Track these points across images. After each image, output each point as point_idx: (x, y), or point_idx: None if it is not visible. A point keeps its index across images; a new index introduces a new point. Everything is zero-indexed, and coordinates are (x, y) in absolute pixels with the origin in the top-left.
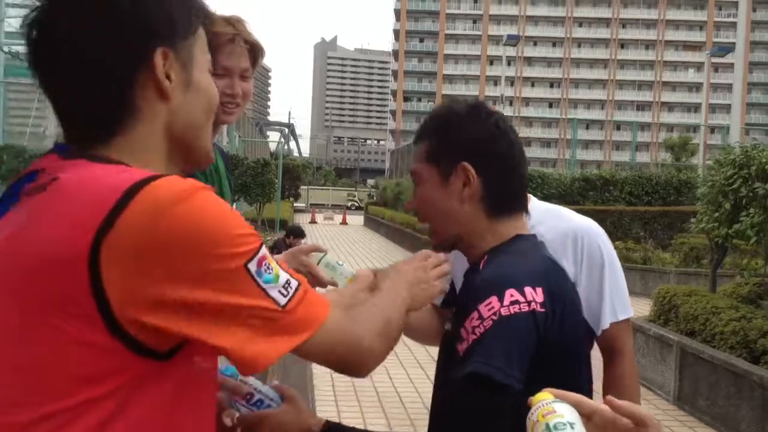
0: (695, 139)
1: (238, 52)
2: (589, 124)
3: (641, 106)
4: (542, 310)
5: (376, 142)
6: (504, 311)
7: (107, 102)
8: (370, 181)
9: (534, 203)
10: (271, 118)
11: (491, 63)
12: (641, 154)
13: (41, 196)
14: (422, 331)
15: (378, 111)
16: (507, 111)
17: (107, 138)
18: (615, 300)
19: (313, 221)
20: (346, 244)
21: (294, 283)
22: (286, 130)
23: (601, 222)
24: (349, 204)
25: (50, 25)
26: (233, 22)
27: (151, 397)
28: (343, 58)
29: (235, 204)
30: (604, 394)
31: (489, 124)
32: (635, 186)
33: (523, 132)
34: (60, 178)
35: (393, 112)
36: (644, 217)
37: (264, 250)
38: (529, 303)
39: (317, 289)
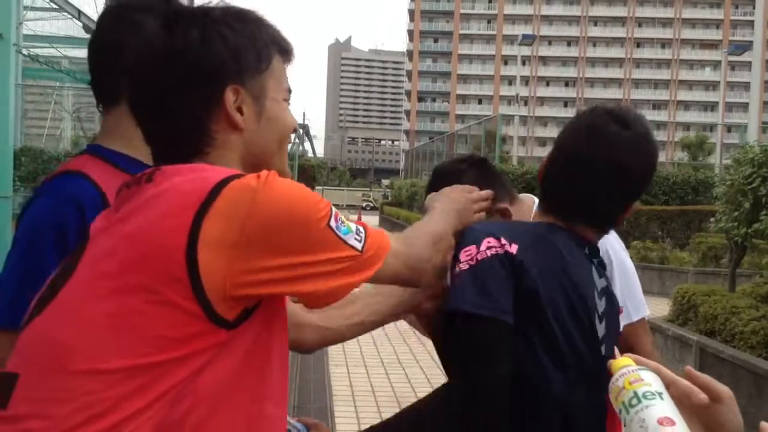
0: (712, 138)
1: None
2: None
3: (657, 105)
4: (516, 255)
5: (390, 142)
6: (480, 255)
7: (186, 134)
8: (385, 182)
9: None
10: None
11: (506, 63)
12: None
13: (148, 186)
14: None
15: (392, 111)
16: (522, 111)
17: (187, 161)
18: (627, 301)
19: None
20: None
21: (362, 229)
22: (301, 131)
23: None
24: (364, 204)
25: (139, 82)
26: None
27: (223, 362)
28: (357, 59)
29: None
30: None
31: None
32: (653, 185)
33: (539, 131)
34: (163, 170)
35: (407, 113)
36: (661, 216)
37: (333, 208)
38: (502, 246)
39: None
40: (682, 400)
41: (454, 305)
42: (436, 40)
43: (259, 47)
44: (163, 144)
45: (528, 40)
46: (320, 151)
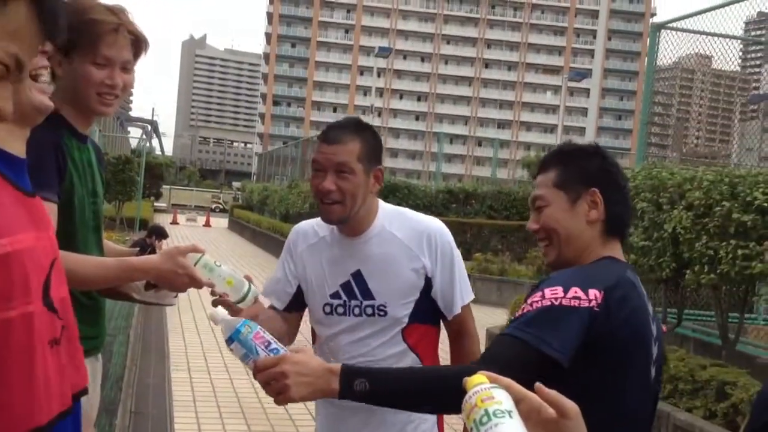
0: None
1: (122, 43)
2: (452, 138)
3: (502, 125)
4: (598, 310)
5: (243, 144)
6: (564, 301)
7: None
8: (236, 184)
9: (384, 205)
10: (133, 113)
11: (361, 73)
12: (501, 171)
13: None
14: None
15: (246, 113)
16: (375, 122)
17: None
18: (462, 286)
19: (174, 222)
20: (210, 247)
21: None
22: (149, 127)
23: (463, 234)
24: (213, 206)
25: None
26: (117, 12)
27: None
28: (212, 57)
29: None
30: None
31: (609, 161)
32: (495, 200)
33: (390, 143)
34: None
35: (262, 116)
36: (502, 230)
37: None
38: (589, 301)
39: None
40: (530, 415)
41: (511, 331)
42: (293, 45)
43: None
44: None
45: (384, 52)
46: (169, 150)
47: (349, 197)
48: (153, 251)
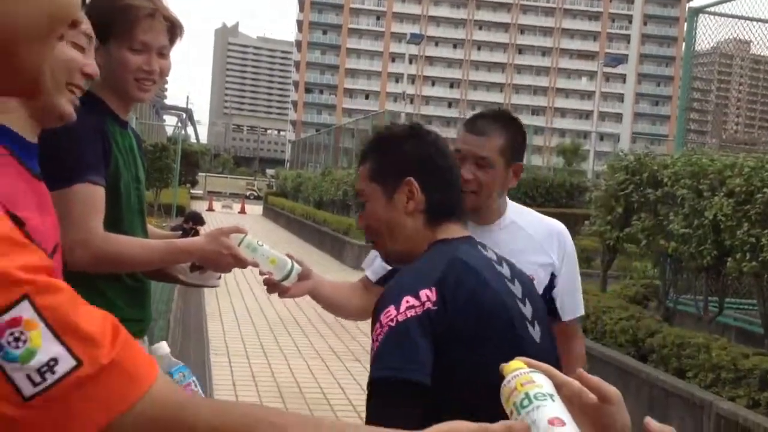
0: (586, 145)
1: (158, 28)
2: None
3: (536, 111)
4: (434, 307)
5: (276, 132)
6: (400, 317)
7: None
8: (270, 171)
9: (510, 202)
10: (168, 101)
11: (393, 60)
12: (535, 158)
13: None
14: (349, 308)
15: (279, 101)
16: (407, 108)
17: None
18: (580, 297)
19: (210, 209)
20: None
21: (64, 366)
22: (184, 114)
23: None
24: (248, 193)
25: None
26: None
27: None
28: (244, 45)
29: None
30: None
31: (428, 143)
32: (530, 188)
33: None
34: None
35: (294, 103)
36: None
37: (24, 310)
38: (423, 304)
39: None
40: (572, 401)
41: (374, 374)
42: (325, 32)
43: None
44: None
45: (416, 39)
46: (204, 137)
47: (485, 189)
48: (195, 235)
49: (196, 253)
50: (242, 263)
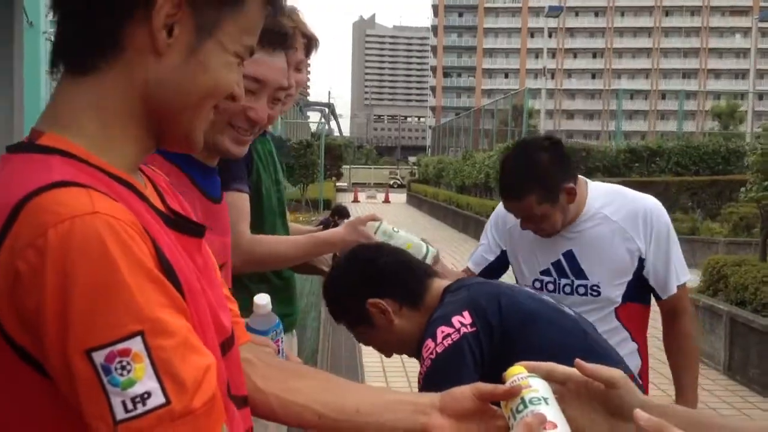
0: (743, 106)
1: (295, 46)
2: (633, 94)
3: (687, 74)
4: (472, 329)
5: (416, 119)
6: (439, 348)
7: (96, 29)
8: (412, 159)
9: (595, 186)
10: (311, 98)
11: (532, 35)
12: (687, 123)
13: None
14: None
15: (417, 88)
16: (549, 84)
17: (84, 71)
18: (678, 267)
19: (355, 200)
20: (390, 222)
21: (156, 400)
22: (327, 110)
23: (647, 193)
24: (391, 182)
25: None
26: (291, 15)
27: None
28: (381, 36)
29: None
30: (667, 349)
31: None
32: (682, 156)
33: (566, 105)
34: None
35: (433, 89)
36: (692, 187)
37: (136, 344)
38: (459, 330)
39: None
40: (580, 392)
41: None
42: (460, 14)
43: None
44: (68, 40)
45: (555, 11)
46: (346, 130)
47: (550, 227)
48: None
49: (338, 243)
50: None
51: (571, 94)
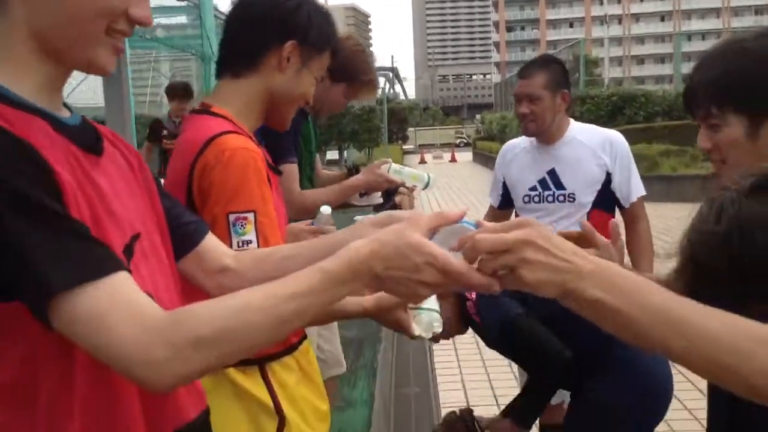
0: None
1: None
2: (704, 35)
3: (759, 10)
4: None
5: (482, 76)
6: None
7: (250, 54)
8: (478, 117)
9: (575, 122)
10: (375, 63)
11: None
12: None
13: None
14: None
15: (481, 44)
16: (616, 30)
17: (239, 72)
18: (635, 182)
19: (422, 161)
20: (456, 180)
21: (252, 245)
22: (390, 74)
23: None
24: (458, 141)
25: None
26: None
27: None
28: None
29: (345, 150)
30: (629, 247)
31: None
32: None
33: (635, 50)
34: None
35: (497, 44)
36: None
37: (250, 216)
38: None
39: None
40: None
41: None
42: None
43: (325, 32)
44: (233, 54)
45: None
46: (411, 93)
47: (539, 117)
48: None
49: (362, 185)
50: (394, 183)
51: (641, 39)
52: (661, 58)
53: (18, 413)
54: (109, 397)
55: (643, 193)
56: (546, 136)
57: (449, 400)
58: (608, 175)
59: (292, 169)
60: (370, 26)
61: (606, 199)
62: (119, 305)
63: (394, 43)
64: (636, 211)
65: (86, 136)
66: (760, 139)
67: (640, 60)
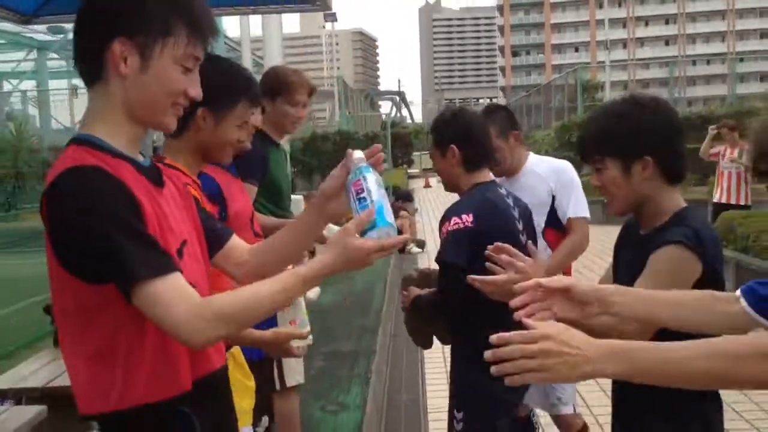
0: None
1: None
2: (709, 59)
3: (765, 34)
4: (471, 226)
5: (488, 100)
6: (451, 227)
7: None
8: None
9: (533, 155)
10: (382, 87)
11: (600, 6)
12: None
13: None
14: None
15: (487, 69)
16: (620, 54)
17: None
18: (576, 205)
19: (427, 185)
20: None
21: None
22: (397, 98)
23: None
24: None
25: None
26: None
27: None
28: (448, 19)
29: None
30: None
31: (464, 120)
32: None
33: (640, 74)
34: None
35: (502, 69)
36: None
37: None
38: (463, 223)
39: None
40: (562, 297)
41: (436, 258)
42: None
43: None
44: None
45: None
46: (418, 117)
47: (500, 157)
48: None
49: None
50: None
51: (646, 64)
52: (665, 82)
53: (103, 364)
54: (166, 350)
55: (584, 215)
56: (509, 171)
57: (437, 407)
58: (553, 198)
59: (250, 189)
60: (377, 50)
61: (556, 219)
62: (174, 292)
63: (401, 67)
64: (572, 226)
65: (154, 173)
66: (633, 177)
67: (645, 84)
